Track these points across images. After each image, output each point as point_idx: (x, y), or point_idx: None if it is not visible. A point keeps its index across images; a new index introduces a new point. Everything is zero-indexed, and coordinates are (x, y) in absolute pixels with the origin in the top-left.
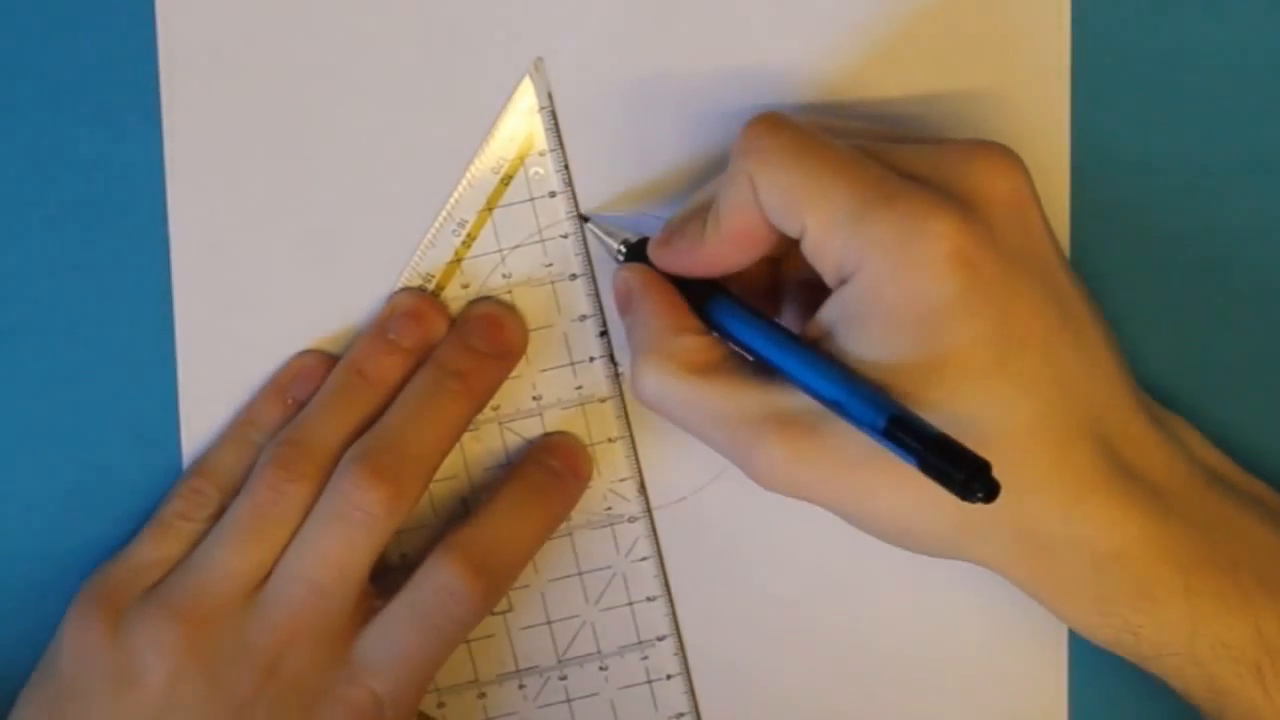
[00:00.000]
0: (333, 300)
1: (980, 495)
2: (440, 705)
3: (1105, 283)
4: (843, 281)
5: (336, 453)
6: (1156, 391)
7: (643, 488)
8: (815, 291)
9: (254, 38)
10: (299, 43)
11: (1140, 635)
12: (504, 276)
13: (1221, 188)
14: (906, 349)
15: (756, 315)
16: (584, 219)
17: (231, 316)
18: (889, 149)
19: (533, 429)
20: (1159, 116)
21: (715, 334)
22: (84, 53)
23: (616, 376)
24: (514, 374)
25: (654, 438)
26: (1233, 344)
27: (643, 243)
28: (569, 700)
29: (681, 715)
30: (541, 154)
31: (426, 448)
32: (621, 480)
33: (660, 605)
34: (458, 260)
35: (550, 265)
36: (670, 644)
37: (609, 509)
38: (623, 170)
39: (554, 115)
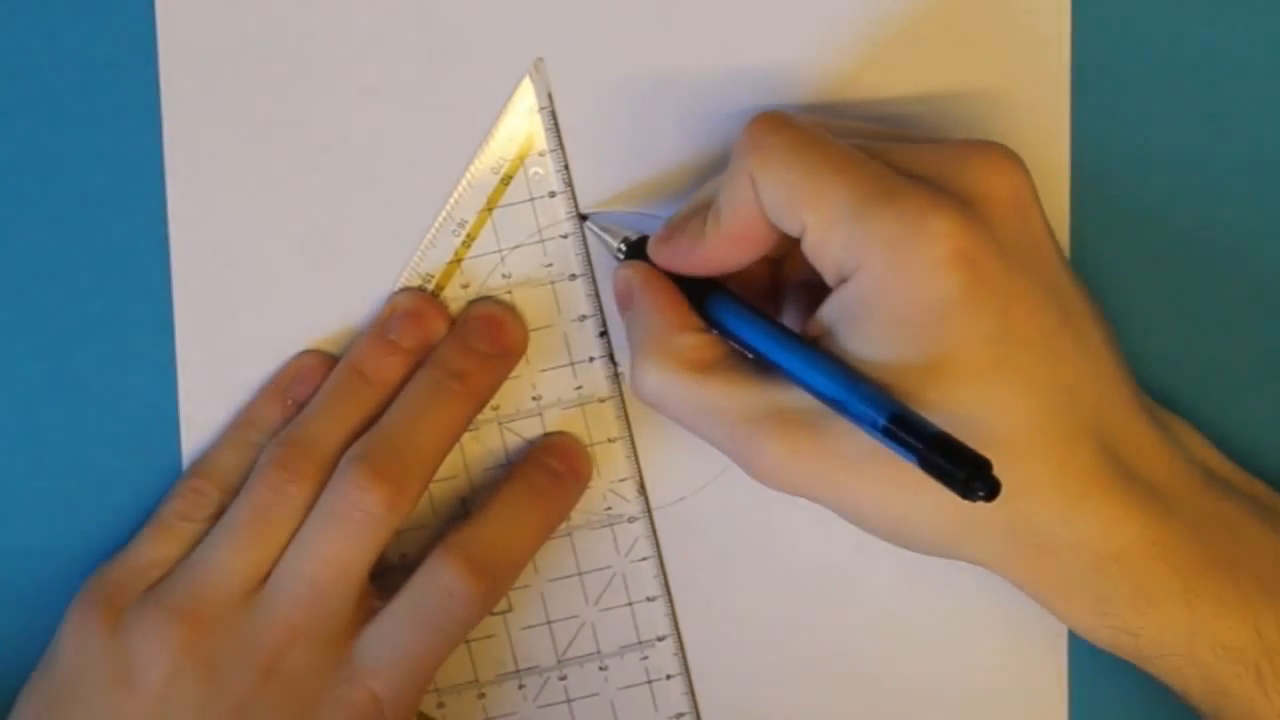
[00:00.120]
0: (333, 300)
1: (981, 494)
2: (440, 705)
3: (1105, 283)
4: (843, 280)
5: (336, 453)
6: (1156, 391)
7: (642, 488)
8: (816, 293)
9: (254, 38)
10: (299, 43)
11: (1140, 636)
12: (504, 276)
13: (1221, 188)
14: (906, 348)
15: (756, 313)
16: (583, 218)
17: (231, 316)
18: (889, 148)
19: (533, 429)
20: (1159, 116)
21: (715, 332)
22: (84, 53)
23: (616, 376)
24: (514, 374)
25: (654, 438)
26: (1233, 344)
27: (643, 241)
28: (569, 700)
29: (681, 715)
30: (541, 154)
31: (427, 448)
32: (621, 480)
33: (660, 605)
34: (458, 260)
35: (550, 265)
36: (670, 644)
37: (609, 509)
38: (623, 170)
39: (554, 115)
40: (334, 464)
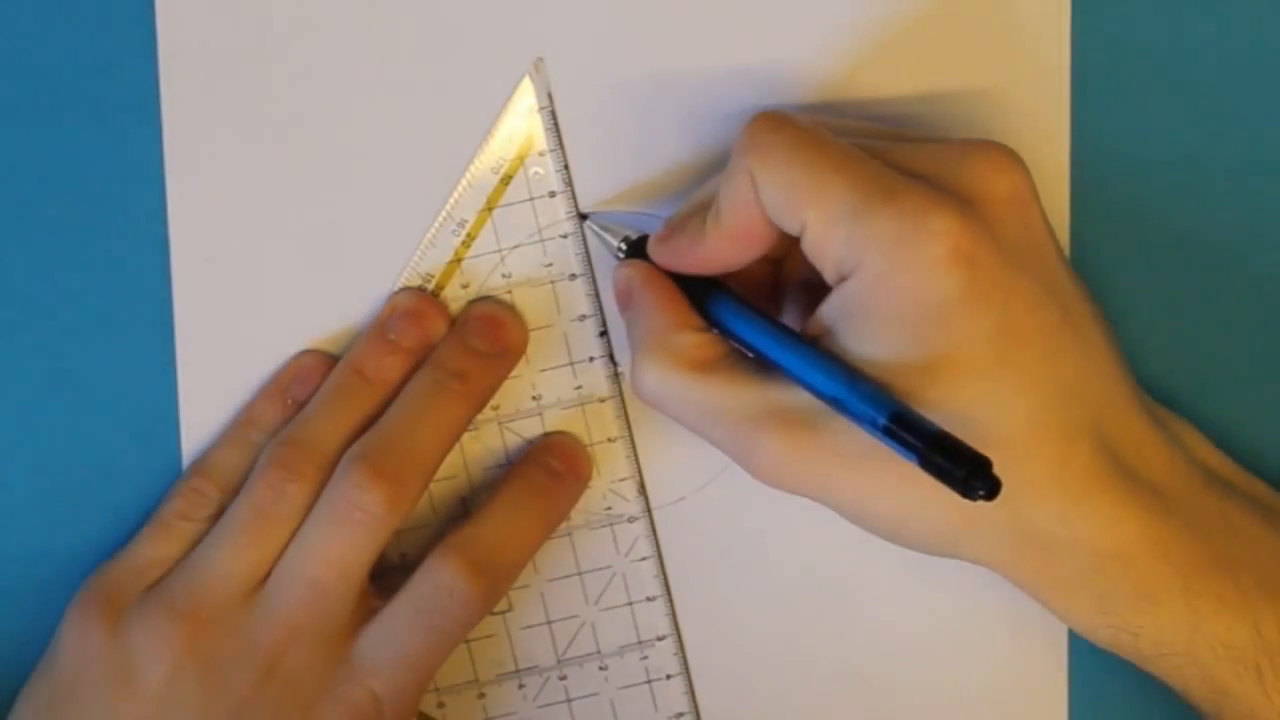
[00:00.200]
0: (333, 300)
1: (981, 493)
2: (440, 705)
3: (1105, 283)
4: (843, 279)
5: (336, 453)
6: (1156, 391)
7: (642, 488)
8: (816, 292)
9: (254, 38)
10: (298, 43)
11: (1140, 635)
12: (504, 276)
13: (1221, 188)
14: (906, 346)
15: (757, 312)
16: (583, 217)
17: (231, 316)
18: (889, 147)
19: (532, 429)
20: (1159, 116)
21: (715, 331)
22: (84, 53)
23: (616, 376)
24: (514, 374)
25: (654, 438)
26: (1233, 344)
27: (643, 240)
28: (569, 700)
29: (681, 715)
30: (541, 154)
31: (427, 448)
32: (621, 480)
33: (660, 605)
34: (457, 260)
35: (550, 265)
36: (670, 644)
37: (609, 509)
38: (623, 170)
39: (554, 115)
40: (334, 464)
